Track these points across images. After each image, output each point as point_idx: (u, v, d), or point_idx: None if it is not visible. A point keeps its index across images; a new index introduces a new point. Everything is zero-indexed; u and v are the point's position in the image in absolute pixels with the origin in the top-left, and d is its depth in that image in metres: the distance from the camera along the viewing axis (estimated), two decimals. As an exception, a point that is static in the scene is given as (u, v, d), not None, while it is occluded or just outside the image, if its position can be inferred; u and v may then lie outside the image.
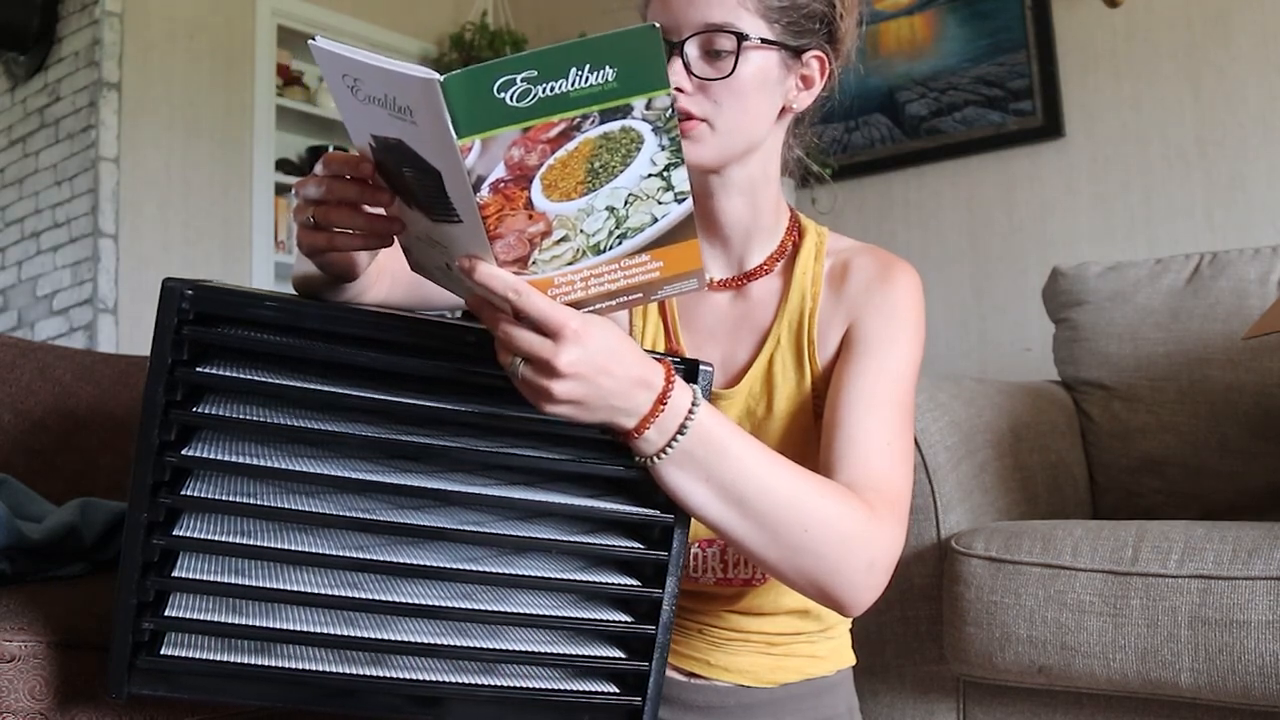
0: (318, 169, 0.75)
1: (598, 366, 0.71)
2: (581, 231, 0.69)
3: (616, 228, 0.69)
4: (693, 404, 0.76)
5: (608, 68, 0.62)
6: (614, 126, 0.64)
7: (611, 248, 0.70)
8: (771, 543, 0.79)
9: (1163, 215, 2.51)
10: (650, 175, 0.67)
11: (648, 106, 0.64)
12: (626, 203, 0.68)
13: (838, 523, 0.81)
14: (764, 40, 0.91)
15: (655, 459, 0.76)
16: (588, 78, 0.62)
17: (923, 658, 1.40)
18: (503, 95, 0.61)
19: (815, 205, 2.94)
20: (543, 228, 0.67)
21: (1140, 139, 2.55)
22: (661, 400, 0.74)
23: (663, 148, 0.66)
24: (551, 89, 0.62)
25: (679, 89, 0.90)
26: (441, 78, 0.59)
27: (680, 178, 0.68)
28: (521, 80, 0.61)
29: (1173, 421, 1.69)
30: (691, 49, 0.90)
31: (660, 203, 0.69)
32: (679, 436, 0.75)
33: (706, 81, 0.90)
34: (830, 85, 0.99)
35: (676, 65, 0.90)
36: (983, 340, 2.75)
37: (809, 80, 0.97)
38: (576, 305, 0.72)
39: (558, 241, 0.69)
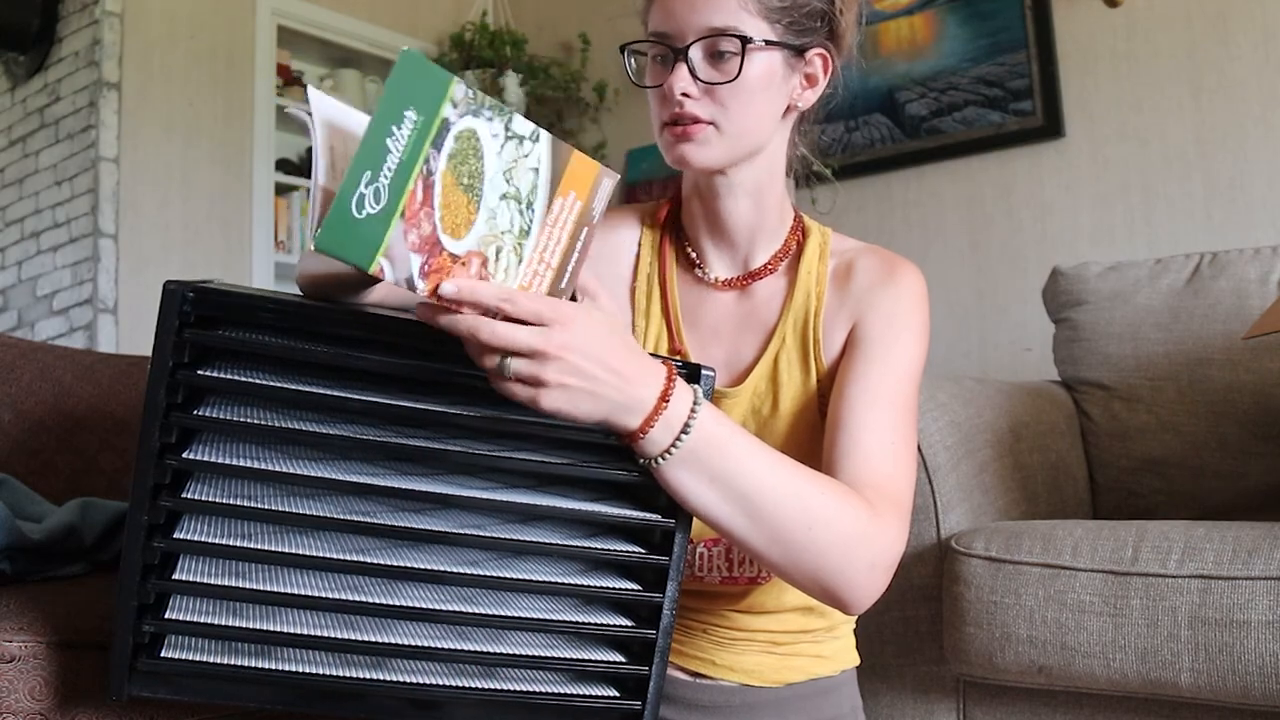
0: None
1: (592, 353, 0.71)
2: (505, 233, 0.71)
3: (520, 203, 0.72)
4: (695, 404, 0.76)
5: (407, 112, 0.65)
6: (450, 145, 0.68)
7: (532, 223, 0.72)
8: (775, 542, 0.79)
9: (1163, 215, 2.51)
10: (503, 144, 0.70)
11: (454, 105, 0.67)
12: (508, 180, 0.71)
13: (841, 522, 0.81)
14: (767, 42, 0.91)
15: (659, 460, 0.76)
16: (403, 134, 0.65)
17: (923, 658, 1.40)
18: (363, 212, 0.65)
19: (815, 205, 2.94)
20: (479, 261, 0.70)
21: (1140, 139, 2.55)
22: (664, 399, 0.74)
23: (489, 119, 0.69)
24: (389, 170, 0.65)
25: (685, 94, 0.90)
26: (317, 243, 0.64)
27: (519, 124, 0.71)
28: (365, 186, 0.64)
29: (1173, 421, 1.69)
30: (695, 53, 0.91)
31: (527, 155, 0.72)
32: (683, 436, 0.75)
33: (712, 85, 0.91)
34: (834, 82, 1.00)
35: (682, 70, 0.90)
36: (983, 340, 2.75)
37: (812, 78, 0.98)
38: (554, 285, 0.75)
39: (497, 257, 0.71)
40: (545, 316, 0.70)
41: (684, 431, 0.75)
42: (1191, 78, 2.48)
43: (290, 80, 3.72)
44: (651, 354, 0.77)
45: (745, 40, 0.90)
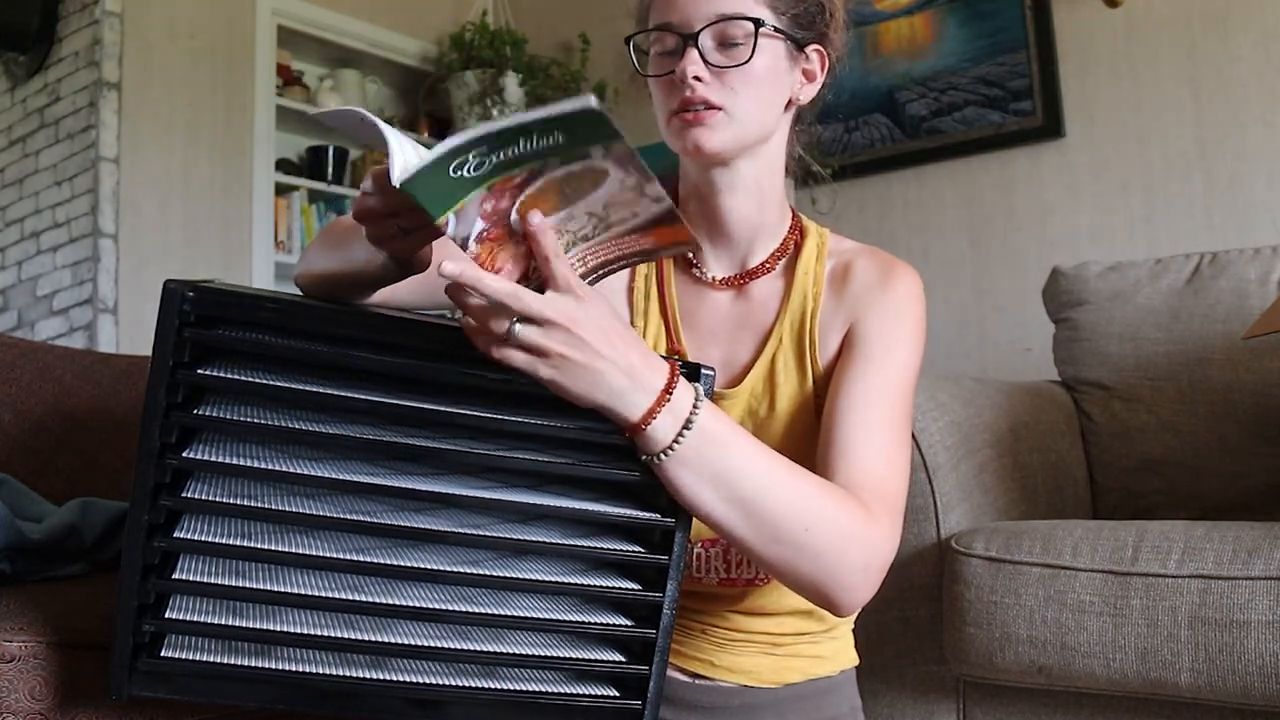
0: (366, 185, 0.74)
1: (599, 334, 0.71)
2: (567, 230, 0.71)
3: (601, 222, 0.71)
4: (696, 401, 0.76)
5: (556, 133, 0.63)
6: (576, 167, 0.66)
7: (597, 233, 0.72)
8: (773, 541, 0.80)
9: (1163, 215, 2.51)
10: (625, 189, 0.69)
11: (605, 153, 0.65)
12: (605, 209, 0.70)
13: (837, 523, 0.81)
14: (776, 29, 0.93)
15: (661, 457, 0.76)
16: (536, 142, 0.64)
17: (923, 658, 1.41)
18: (460, 173, 0.64)
19: (815, 205, 2.94)
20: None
21: (1140, 139, 2.55)
22: (668, 390, 0.74)
23: (627, 175, 0.67)
24: (504, 155, 0.64)
25: (697, 78, 0.91)
26: (404, 179, 0.63)
27: (654, 190, 0.69)
28: (474, 156, 0.64)
29: (1173, 421, 1.69)
30: (706, 39, 0.92)
31: (638, 206, 0.70)
32: (685, 432, 0.75)
33: (724, 69, 0.92)
34: (828, 81, 1.02)
35: (693, 55, 0.91)
36: (983, 340, 2.75)
37: (810, 74, 1.00)
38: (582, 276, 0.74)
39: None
40: (561, 284, 0.70)
41: (686, 427, 0.75)
42: (1191, 78, 2.48)
43: (290, 80, 3.72)
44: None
45: (758, 24, 0.91)
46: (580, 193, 0.68)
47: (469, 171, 0.64)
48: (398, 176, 0.64)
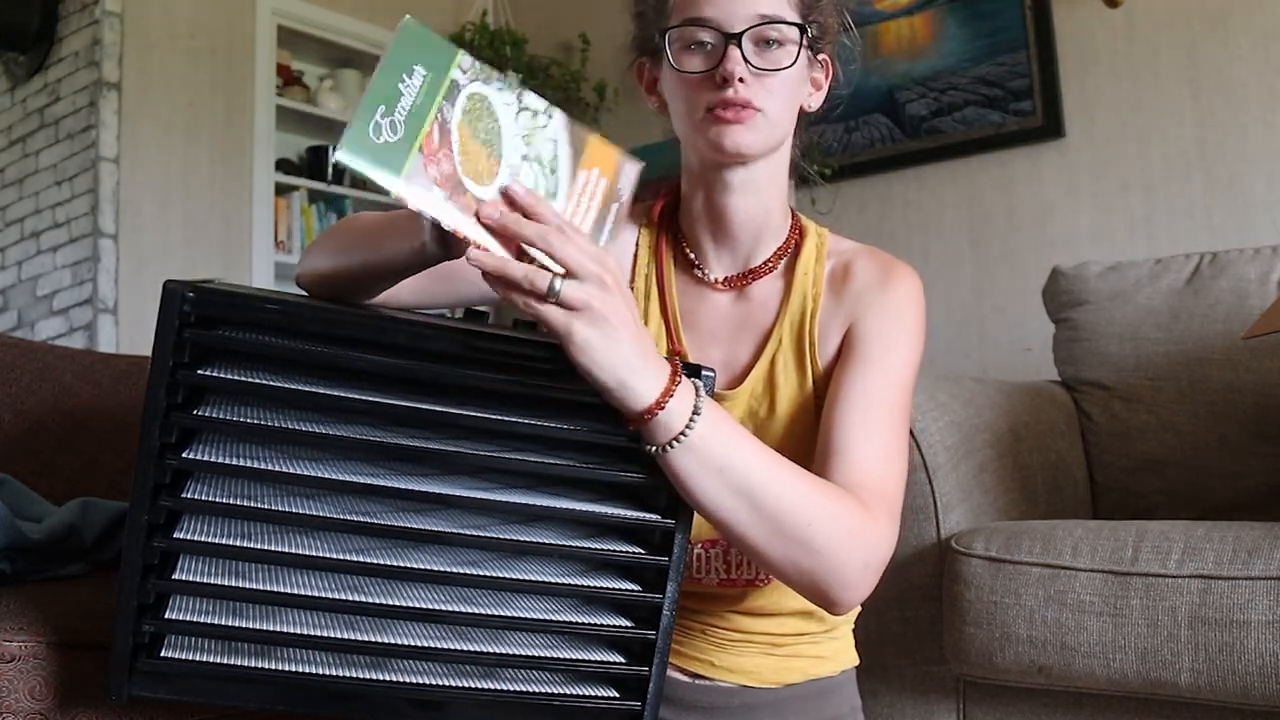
0: None
1: (629, 308, 0.72)
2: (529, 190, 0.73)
3: (542, 167, 0.73)
4: (699, 394, 0.76)
5: (415, 67, 0.68)
6: (462, 101, 0.70)
7: (558, 187, 0.74)
8: (776, 536, 0.80)
9: (1163, 215, 2.51)
10: (518, 113, 0.72)
11: (463, 71, 0.70)
12: (527, 144, 0.73)
13: (838, 521, 0.81)
14: (807, 35, 0.94)
15: (669, 446, 0.75)
16: (412, 84, 0.68)
17: (923, 658, 1.41)
18: (381, 139, 0.67)
19: (815, 205, 2.94)
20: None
21: (1140, 139, 2.55)
22: (674, 380, 0.75)
23: (499, 90, 0.72)
24: (401, 111, 0.68)
25: (741, 79, 0.92)
26: (339, 156, 0.67)
27: (532, 99, 0.73)
28: (381, 118, 0.67)
29: (1173, 421, 1.69)
30: (747, 40, 0.92)
31: (543, 127, 0.73)
32: (693, 420, 0.75)
33: (764, 71, 0.92)
34: (832, 88, 1.03)
35: (736, 54, 0.91)
36: (983, 340, 2.75)
37: (817, 82, 1.01)
38: None
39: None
40: (600, 257, 0.71)
41: (694, 415, 0.75)
42: (1191, 78, 2.48)
43: (290, 80, 3.72)
44: None
45: (802, 29, 0.93)
46: (492, 132, 0.71)
47: (390, 135, 0.67)
48: (336, 156, 0.68)
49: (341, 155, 0.67)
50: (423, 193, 0.69)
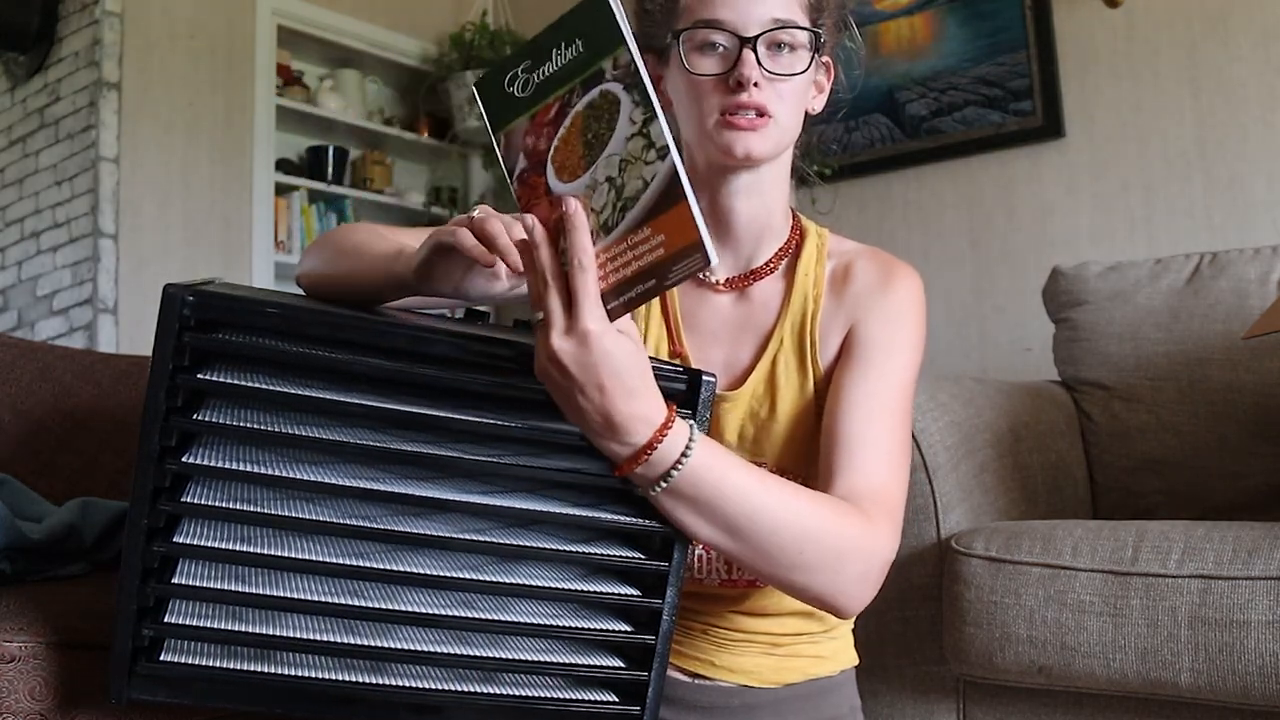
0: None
1: (587, 370, 0.69)
2: (592, 210, 0.71)
3: (618, 199, 0.71)
4: (689, 442, 0.74)
5: (577, 40, 0.70)
6: (594, 94, 0.70)
7: (617, 224, 0.71)
8: (767, 563, 0.80)
9: (1163, 215, 2.51)
10: (633, 135, 0.70)
11: (614, 66, 0.69)
12: (621, 169, 0.70)
13: (834, 539, 0.81)
14: (818, 39, 0.94)
15: (650, 490, 0.76)
16: (564, 54, 0.70)
17: (923, 658, 1.41)
18: (511, 89, 0.71)
19: (815, 205, 2.94)
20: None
21: (1140, 139, 2.55)
22: (649, 448, 0.73)
23: (635, 103, 0.70)
24: (541, 73, 0.71)
25: (755, 84, 0.91)
26: (479, 81, 0.73)
27: (658, 131, 0.69)
28: (522, 72, 0.71)
29: (1173, 421, 1.69)
30: (761, 45, 0.92)
31: (647, 163, 0.70)
32: (674, 471, 0.74)
33: (778, 76, 0.92)
34: (832, 93, 1.03)
35: (751, 59, 0.91)
36: (983, 340, 2.75)
37: (820, 84, 1.01)
38: (602, 299, 0.71)
39: None
40: (584, 305, 0.68)
41: (675, 467, 0.74)
42: (1191, 78, 2.48)
43: (290, 80, 3.72)
44: (654, 360, 0.77)
45: (817, 35, 0.93)
46: (600, 140, 0.71)
47: (519, 90, 0.72)
48: (473, 85, 0.74)
49: (476, 86, 0.74)
50: (512, 154, 0.74)
